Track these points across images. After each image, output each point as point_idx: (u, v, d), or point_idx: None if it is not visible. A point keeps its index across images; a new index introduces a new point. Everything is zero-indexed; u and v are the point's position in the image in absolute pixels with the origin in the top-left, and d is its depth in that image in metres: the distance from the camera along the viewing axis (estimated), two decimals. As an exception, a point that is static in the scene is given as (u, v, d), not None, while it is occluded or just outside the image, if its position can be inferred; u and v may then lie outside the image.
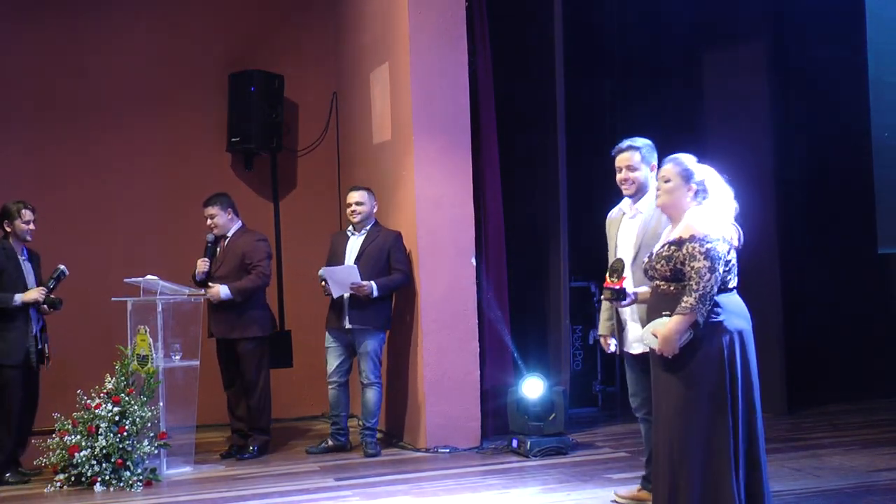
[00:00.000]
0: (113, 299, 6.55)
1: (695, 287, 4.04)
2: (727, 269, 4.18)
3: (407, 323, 6.95)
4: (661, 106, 8.93)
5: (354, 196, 6.85)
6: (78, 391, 6.20)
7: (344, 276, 6.61)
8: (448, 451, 6.64)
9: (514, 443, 6.59)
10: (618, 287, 4.72)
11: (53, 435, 6.11)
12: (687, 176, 4.36)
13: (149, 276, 6.48)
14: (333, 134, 8.63)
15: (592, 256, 8.83)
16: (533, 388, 6.58)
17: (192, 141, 8.27)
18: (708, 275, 4.06)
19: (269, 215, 8.45)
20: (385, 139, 7.35)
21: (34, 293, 6.23)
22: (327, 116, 8.62)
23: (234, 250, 6.80)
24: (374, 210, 6.91)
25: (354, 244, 6.82)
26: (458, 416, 6.73)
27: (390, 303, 6.88)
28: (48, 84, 8.02)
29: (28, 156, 7.95)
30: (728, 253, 4.17)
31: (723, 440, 4.04)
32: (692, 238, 4.13)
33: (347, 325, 6.70)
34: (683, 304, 4.07)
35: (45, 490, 5.98)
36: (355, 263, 6.68)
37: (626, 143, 5.22)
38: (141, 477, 6.01)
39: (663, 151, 9.02)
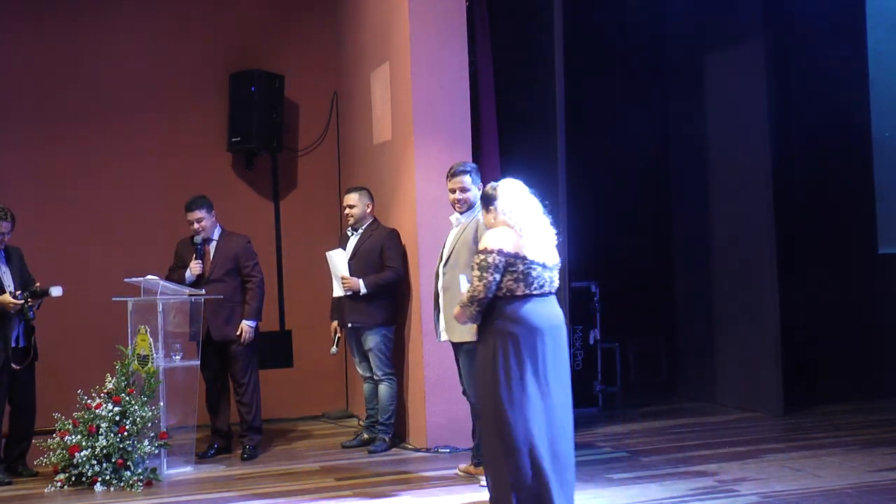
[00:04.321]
0: (113, 299, 6.56)
1: (469, 288, 4.75)
2: (513, 279, 4.70)
3: (407, 323, 6.96)
4: (662, 106, 8.94)
5: (347, 199, 7.00)
6: (78, 391, 6.21)
7: (337, 262, 6.81)
8: (448, 451, 6.64)
9: (515, 443, 6.59)
10: None
11: (54, 435, 6.12)
12: (487, 202, 4.95)
13: (149, 276, 6.49)
14: (333, 134, 8.63)
15: (592, 256, 8.88)
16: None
17: (192, 141, 8.27)
18: (476, 281, 4.72)
19: (270, 215, 8.45)
20: (385, 139, 7.36)
21: (8, 302, 6.16)
22: (327, 116, 8.63)
23: (226, 253, 6.83)
24: (369, 209, 6.96)
25: (351, 243, 6.94)
26: (458, 416, 6.72)
27: (390, 299, 6.90)
28: (48, 84, 8.02)
29: (28, 155, 7.95)
30: (511, 265, 4.70)
31: (506, 431, 4.61)
32: (480, 251, 4.78)
33: (349, 324, 6.81)
34: (461, 299, 4.87)
35: (46, 490, 5.98)
36: (349, 262, 6.82)
37: (457, 167, 5.89)
38: (141, 477, 6.02)
39: (665, 151, 9.09)
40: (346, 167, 8.47)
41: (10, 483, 6.20)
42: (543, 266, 4.79)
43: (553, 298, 4.87)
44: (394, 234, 6.89)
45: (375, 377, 6.86)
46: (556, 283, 4.91)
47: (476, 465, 5.86)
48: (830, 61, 8.49)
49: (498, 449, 4.66)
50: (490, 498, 4.77)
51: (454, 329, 5.65)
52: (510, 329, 4.68)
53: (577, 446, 6.61)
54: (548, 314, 4.77)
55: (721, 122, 8.24)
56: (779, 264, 7.70)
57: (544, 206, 5.02)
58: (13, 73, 7.96)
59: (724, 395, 8.20)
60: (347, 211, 6.95)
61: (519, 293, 4.71)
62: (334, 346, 7.05)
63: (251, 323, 6.81)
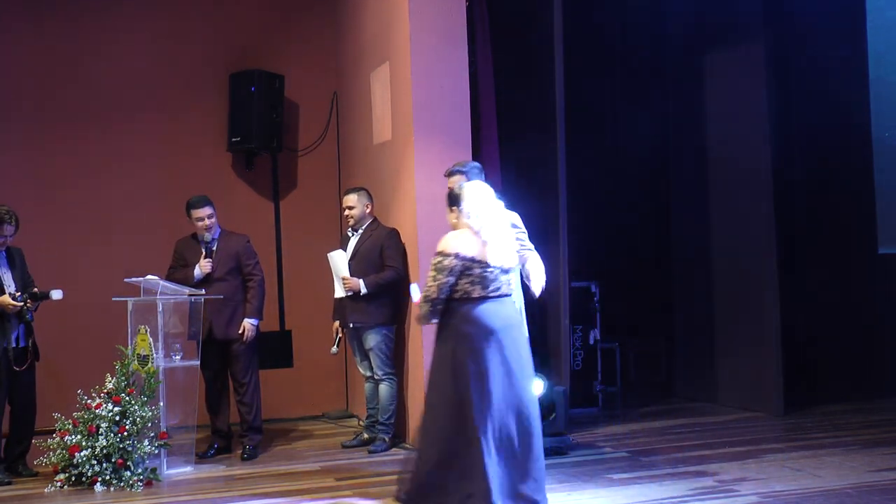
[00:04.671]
0: (113, 299, 6.55)
1: (424, 288, 4.95)
2: (469, 282, 4.87)
3: (408, 322, 6.96)
4: (662, 106, 8.94)
5: (346, 200, 7.00)
6: (78, 391, 6.21)
7: (338, 263, 6.82)
8: (448, 450, 6.63)
9: (515, 443, 6.59)
10: None
11: (54, 435, 6.12)
12: (452, 202, 5.09)
13: (149, 276, 6.49)
14: (333, 134, 8.63)
15: (592, 256, 8.89)
16: (533, 387, 6.57)
17: (192, 141, 8.26)
18: (430, 282, 4.91)
19: (270, 215, 8.45)
20: (385, 139, 7.36)
21: (7, 303, 6.18)
22: (327, 116, 8.63)
23: (227, 251, 6.85)
24: (368, 210, 6.97)
25: (351, 244, 6.94)
26: (458, 416, 6.73)
27: (391, 299, 6.90)
28: (48, 84, 8.01)
29: (29, 156, 7.95)
30: (468, 268, 4.87)
31: (455, 426, 4.83)
32: (438, 252, 4.95)
33: (350, 324, 6.81)
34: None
35: (46, 490, 5.98)
36: (350, 262, 6.82)
37: (454, 167, 6.05)
38: (141, 477, 6.02)
39: (664, 151, 9.09)
40: (346, 167, 8.47)
41: (10, 483, 6.20)
42: (501, 270, 4.95)
43: (508, 300, 5.02)
44: (394, 234, 6.90)
45: (376, 377, 6.86)
46: (514, 285, 5.08)
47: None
48: (830, 61, 8.50)
49: (437, 440, 4.88)
50: (415, 483, 4.97)
51: None
52: (465, 329, 4.87)
53: (578, 446, 6.66)
54: (502, 315, 4.92)
55: (721, 122, 8.23)
56: (779, 264, 7.70)
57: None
58: (13, 73, 7.96)
59: (724, 396, 8.20)
60: (347, 212, 6.96)
61: (475, 295, 4.89)
62: (335, 346, 7.05)
63: (253, 321, 6.82)
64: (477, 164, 6.13)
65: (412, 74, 6.76)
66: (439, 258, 4.91)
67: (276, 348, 8.24)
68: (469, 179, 5.77)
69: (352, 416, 8.28)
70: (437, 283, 4.88)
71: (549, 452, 6.38)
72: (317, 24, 8.61)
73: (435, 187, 6.74)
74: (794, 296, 8.38)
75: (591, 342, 8.33)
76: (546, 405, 6.58)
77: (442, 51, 6.81)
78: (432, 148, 6.77)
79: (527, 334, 5.48)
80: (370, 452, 6.75)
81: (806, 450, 6.38)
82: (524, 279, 5.58)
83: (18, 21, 7.98)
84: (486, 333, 4.86)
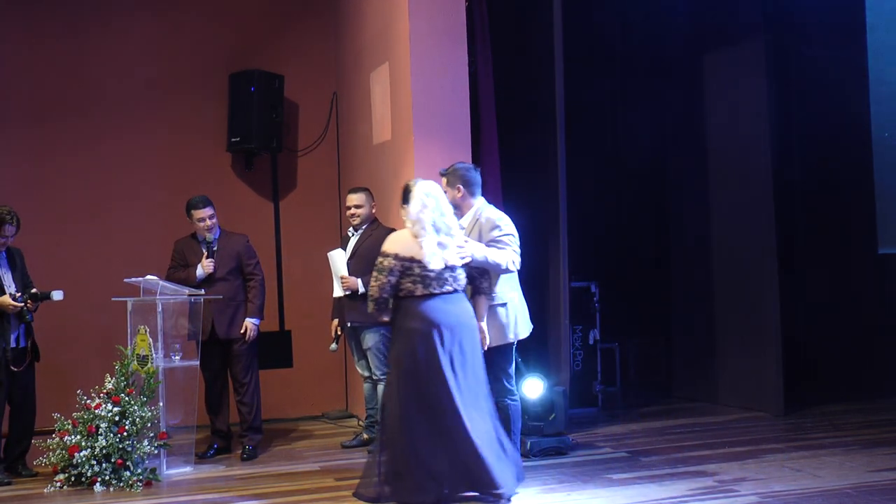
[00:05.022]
0: (113, 299, 6.55)
1: (370, 289, 5.24)
2: (411, 280, 5.14)
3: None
4: (662, 106, 8.94)
5: (353, 199, 6.91)
6: (78, 391, 6.21)
7: (337, 262, 6.82)
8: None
9: (514, 443, 6.59)
10: None
11: (53, 435, 6.12)
12: (403, 200, 5.35)
13: (149, 276, 6.49)
14: (333, 134, 8.63)
15: (592, 256, 8.89)
16: (533, 387, 6.58)
17: (192, 141, 8.26)
18: (373, 282, 5.19)
19: (269, 215, 8.45)
20: (385, 139, 7.35)
21: (8, 304, 6.18)
22: (327, 116, 8.63)
23: (228, 251, 6.84)
24: (373, 210, 6.96)
25: (351, 243, 6.94)
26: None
27: None
28: (48, 84, 8.01)
29: (28, 156, 7.94)
30: (408, 269, 5.14)
31: (405, 417, 5.10)
32: (380, 252, 5.27)
33: (349, 323, 6.82)
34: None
35: (45, 490, 5.98)
36: (348, 262, 6.82)
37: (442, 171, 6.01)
38: (141, 477, 6.01)
39: (664, 151, 9.09)
40: (345, 167, 8.47)
41: (9, 483, 6.20)
42: (445, 267, 5.17)
43: (457, 296, 5.25)
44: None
45: (374, 377, 6.85)
46: (463, 281, 5.30)
47: None
48: (830, 61, 8.49)
49: (396, 431, 5.13)
50: (383, 471, 5.19)
51: None
52: (410, 325, 5.16)
53: (578, 446, 6.66)
54: (447, 310, 5.16)
55: (721, 122, 8.23)
56: (779, 264, 7.70)
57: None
58: (13, 74, 7.95)
59: (724, 396, 8.20)
60: (354, 211, 6.88)
61: (418, 293, 5.16)
62: (334, 344, 7.04)
63: (255, 321, 6.83)
64: (464, 164, 5.97)
65: (412, 74, 6.76)
66: (381, 258, 5.22)
67: (275, 348, 8.23)
68: (449, 180, 5.77)
69: (351, 416, 8.28)
70: (378, 283, 5.17)
71: (549, 452, 6.42)
72: (317, 24, 8.61)
73: (435, 187, 6.75)
74: (794, 296, 8.38)
75: (591, 342, 8.32)
76: (546, 405, 6.58)
77: (442, 51, 6.81)
78: (432, 148, 6.77)
79: (515, 330, 5.63)
80: (370, 452, 6.74)
81: (806, 450, 6.38)
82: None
83: (18, 21, 7.98)
84: (430, 328, 5.10)
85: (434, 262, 5.15)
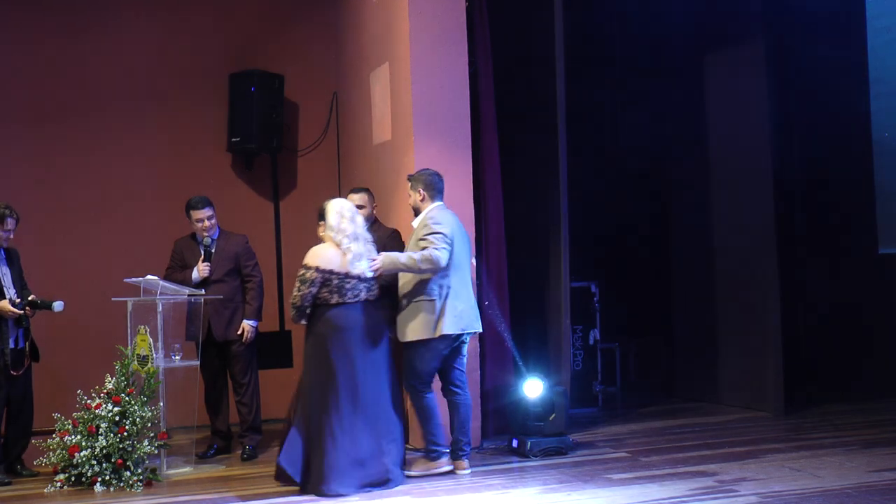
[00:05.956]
0: (113, 299, 6.55)
1: (292, 298, 5.78)
2: (328, 290, 5.72)
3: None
4: (662, 106, 8.94)
5: (355, 199, 6.84)
6: (78, 391, 6.20)
7: None
8: (449, 450, 6.62)
9: (515, 443, 6.59)
10: None
11: (54, 435, 6.11)
12: (319, 217, 5.92)
13: (149, 276, 6.48)
14: (333, 134, 8.63)
15: (592, 256, 8.88)
16: (533, 388, 6.58)
17: (192, 141, 8.26)
18: (296, 292, 5.76)
19: (269, 215, 8.45)
20: (385, 139, 7.35)
21: (7, 310, 6.18)
22: (327, 116, 8.63)
23: (226, 252, 6.83)
24: (374, 210, 6.93)
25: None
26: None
27: (391, 300, 6.86)
28: (48, 84, 8.01)
29: (28, 156, 7.94)
30: (327, 280, 5.70)
31: (317, 412, 5.72)
32: (302, 265, 5.80)
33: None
34: None
35: (45, 490, 5.98)
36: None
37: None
38: (141, 477, 6.01)
39: (664, 151, 9.09)
40: (346, 167, 8.47)
41: (9, 483, 6.20)
42: (358, 279, 5.76)
43: (367, 304, 5.82)
44: (395, 235, 6.85)
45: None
46: (375, 291, 5.88)
47: (433, 458, 6.11)
48: (830, 61, 8.48)
49: (302, 422, 5.75)
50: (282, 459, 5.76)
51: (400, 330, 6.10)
52: (321, 330, 5.75)
53: (578, 446, 6.67)
54: (356, 317, 5.76)
55: (721, 122, 8.24)
56: (779, 264, 7.70)
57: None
58: (13, 74, 7.95)
59: (724, 395, 8.20)
60: (357, 211, 6.87)
61: (333, 302, 5.74)
62: None
63: (253, 323, 6.82)
64: (428, 170, 6.25)
65: (412, 74, 6.76)
66: (303, 271, 5.76)
67: (275, 348, 8.22)
68: (412, 185, 6.16)
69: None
70: (300, 293, 5.73)
71: (549, 452, 6.42)
72: (317, 24, 8.61)
73: (435, 187, 6.75)
74: (794, 296, 8.37)
75: (591, 342, 8.33)
76: (546, 405, 6.59)
77: (442, 51, 6.81)
78: (432, 148, 6.77)
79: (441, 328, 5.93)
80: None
81: (806, 450, 6.38)
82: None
83: (18, 21, 7.97)
84: (339, 332, 5.71)
85: (358, 268, 5.74)
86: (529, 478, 5.96)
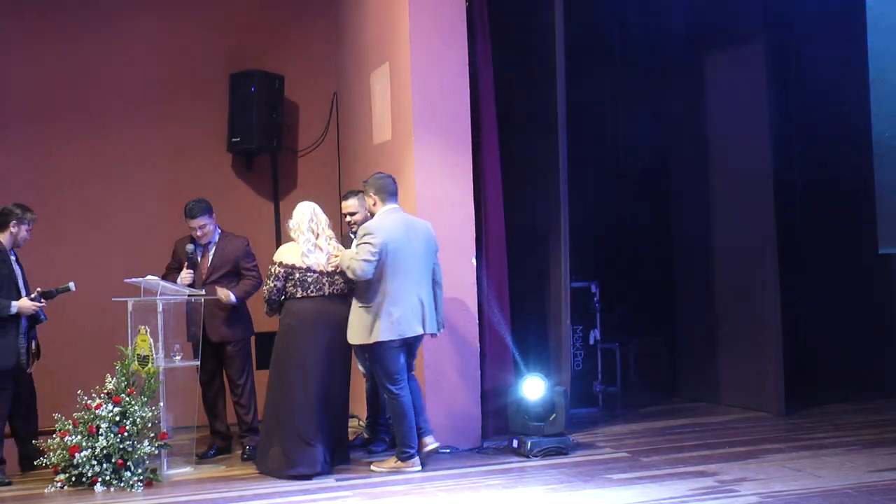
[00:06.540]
0: (113, 299, 6.55)
1: (264, 293, 6.24)
2: (292, 284, 6.13)
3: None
4: (662, 106, 8.94)
5: (347, 206, 6.84)
6: (78, 391, 6.20)
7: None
8: (448, 451, 6.63)
9: (515, 443, 6.59)
10: None
11: (54, 435, 6.12)
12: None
13: (149, 276, 6.48)
14: (333, 134, 8.63)
15: (592, 256, 8.89)
16: (533, 388, 6.58)
17: (192, 141, 8.27)
18: (265, 286, 6.23)
19: (270, 215, 8.45)
20: (385, 139, 7.35)
21: (29, 306, 6.25)
22: (327, 116, 8.63)
23: (226, 256, 6.79)
24: (368, 212, 6.90)
25: (353, 245, 6.85)
26: (458, 416, 6.73)
27: None
28: (48, 85, 8.02)
29: (28, 156, 7.95)
30: (290, 274, 6.14)
31: (273, 401, 6.17)
32: (272, 261, 6.25)
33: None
34: None
35: (46, 490, 5.98)
36: None
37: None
38: (141, 477, 6.01)
39: (664, 151, 9.09)
40: (346, 167, 8.47)
41: (9, 483, 6.20)
42: (321, 274, 6.15)
43: (331, 298, 6.17)
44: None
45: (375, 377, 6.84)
46: (340, 285, 6.19)
47: (403, 459, 6.18)
48: (830, 61, 8.49)
49: (276, 409, 6.13)
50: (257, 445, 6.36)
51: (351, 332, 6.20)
52: (288, 322, 6.19)
53: (578, 446, 6.67)
54: (320, 310, 6.14)
55: (721, 122, 8.23)
56: (779, 264, 7.70)
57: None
58: (13, 74, 7.95)
59: (724, 395, 8.20)
60: (349, 218, 6.81)
61: (298, 295, 6.14)
62: None
63: (232, 297, 6.65)
64: (380, 174, 6.38)
65: (412, 74, 6.76)
66: (270, 267, 6.20)
67: (272, 349, 8.20)
68: (367, 190, 6.29)
69: (352, 416, 8.27)
70: (268, 287, 6.18)
71: (549, 453, 6.42)
72: (317, 24, 8.61)
73: (435, 187, 6.76)
74: (794, 296, 8.36)
75: (592, 342, 8.33)
76: (547, 405, 6.58)
77: (442, 51, 6.81)
78: (432, 148, 6.77)
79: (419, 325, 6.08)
80: (370, 452, 6.74)
81: (806, 450, 6.39)
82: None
83: (18, 22, 7.98)
84: (304, 325, 6.11)
85: (309, 260, 6.12)
86: (530, 478, 5.96)
